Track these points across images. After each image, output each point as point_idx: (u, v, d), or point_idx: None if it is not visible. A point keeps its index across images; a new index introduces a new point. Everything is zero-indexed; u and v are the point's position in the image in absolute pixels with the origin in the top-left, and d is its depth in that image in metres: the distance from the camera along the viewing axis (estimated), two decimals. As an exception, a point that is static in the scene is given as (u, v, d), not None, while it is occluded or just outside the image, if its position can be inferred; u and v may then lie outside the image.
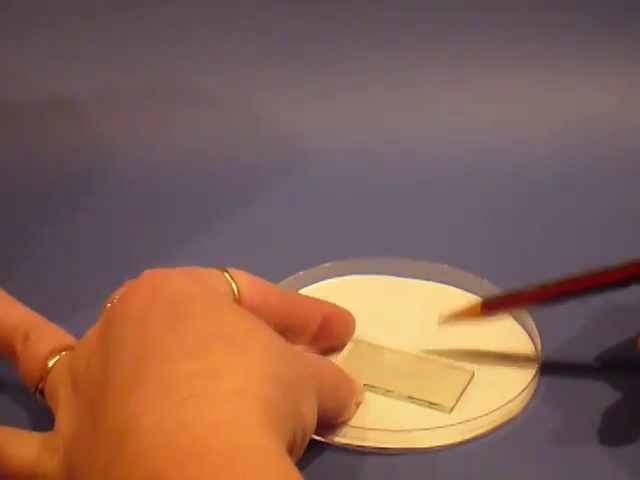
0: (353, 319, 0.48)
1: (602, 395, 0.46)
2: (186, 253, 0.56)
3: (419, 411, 0.45)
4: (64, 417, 0.40)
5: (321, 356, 0.46)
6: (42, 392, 0.43)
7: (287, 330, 0.44)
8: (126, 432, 0.34)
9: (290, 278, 0.52)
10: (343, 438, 0.43)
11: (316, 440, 0.43)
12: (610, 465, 0.42)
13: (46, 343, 0.43)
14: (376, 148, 0.65)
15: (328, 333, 0.47)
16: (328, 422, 0.43)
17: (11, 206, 0.61)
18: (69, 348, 0.43)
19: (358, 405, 0.45)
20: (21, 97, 0.66)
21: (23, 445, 0.40)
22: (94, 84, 0.67)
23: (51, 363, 0.42)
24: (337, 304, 0.48)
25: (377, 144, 0.66)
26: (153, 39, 0.68)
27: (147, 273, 0.41)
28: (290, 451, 0.36)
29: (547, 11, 0.68)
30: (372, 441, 0.43)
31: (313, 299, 0.47)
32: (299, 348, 0.44)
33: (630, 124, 0.66)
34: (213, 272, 0.43)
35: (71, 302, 0.46)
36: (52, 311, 0.48)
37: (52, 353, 0.43)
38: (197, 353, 0.37)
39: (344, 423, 0.44)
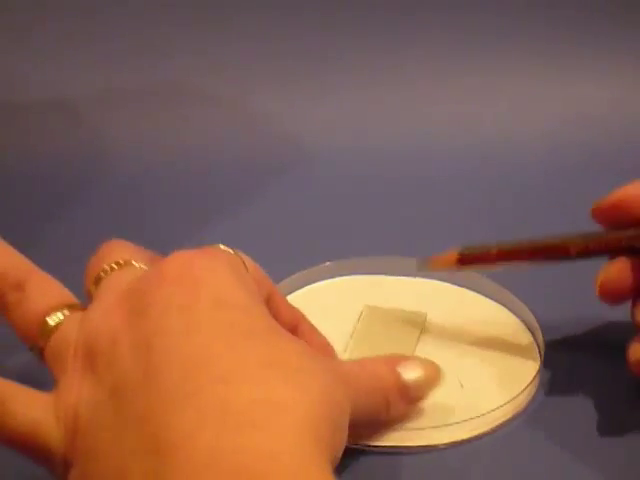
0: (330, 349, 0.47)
1: (607, 386, 0.46)
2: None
3: (428, 408, 0.44)
4: (69, 385, 0.38)
5: (356, 362, 0.44)
6: (41, 351, 0.40)
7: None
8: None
9: (292, 277, 0.52)
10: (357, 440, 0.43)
11: None
12: (615, 461, 0.42)
13: (44, 297, 0.41)
14: (375, 148, 0.66)
15: None
16: (363, 427, 0.43)
17: (11, 206, 0.61)
18: (72, 307, 0.41)
19: (411, 402, 0.43)
20: (21, 97, 0.66)
21: (29, 404, 0.38)
22: (94, 84, 0.67)
23: (52, 321, 0.40)
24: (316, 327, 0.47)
25: (376, 144, 0.66)
26: (153, 39, 0.68)
27: (174, 257, 0.40)
28: None
29: (547, 11, 0.68)
30: (383, 440, 0.43)
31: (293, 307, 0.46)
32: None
33: (630, 124, 0.66)
34: (225, 251, 0.43)
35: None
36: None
37: (53, 310, 0.41)
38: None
39: (388, 427, 0.43)
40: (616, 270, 0.45)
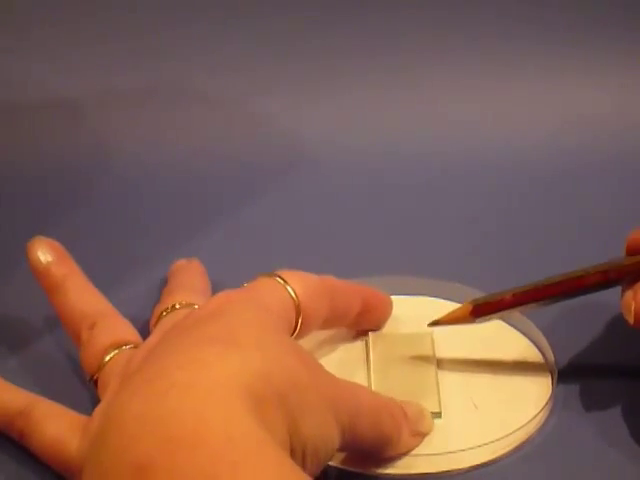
0: (391, 302, 0.49)
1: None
2: (186, 253, 0.56)
3: (443, 432, 0.44)
4: (102, 403, 0.41)
5: (361, 385, 0.44)
6: (96, 382, 0.43)
7: (329, 320, 0.45)
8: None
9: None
10: (386, 469, 0.42)
11: (359, 473, 0.42)
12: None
13: (108, 335, 0.44)
14: (375, 148, 0.65)
15: (367, 317, 0.48)
16: (375, 455, 0.42)
17: (11, 206, 0.61)
18: (131, 343, 0.44)
19: (419, 435, 0.43)
20: (21, 97, 0.66)
21: (57, 423, 0.41)
22: (94, 84, 0.67)
23: (108, 357, 0.43)
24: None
25: (377, 144, 0.66)
26: (153, 39, 0.68)
27: (214, 297, 0.42)
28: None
29: (546, 11, 0.68)
30: (399, 468, 0.42)
31: (353, 286, 0.47)
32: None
33: (630, 124, 0.66)
34: (270, 283, 0.43)
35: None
36: (52, 310, 0.48)
37: (112, 346, 0.43)
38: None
39: (399, 455, 0.43)
40: None
